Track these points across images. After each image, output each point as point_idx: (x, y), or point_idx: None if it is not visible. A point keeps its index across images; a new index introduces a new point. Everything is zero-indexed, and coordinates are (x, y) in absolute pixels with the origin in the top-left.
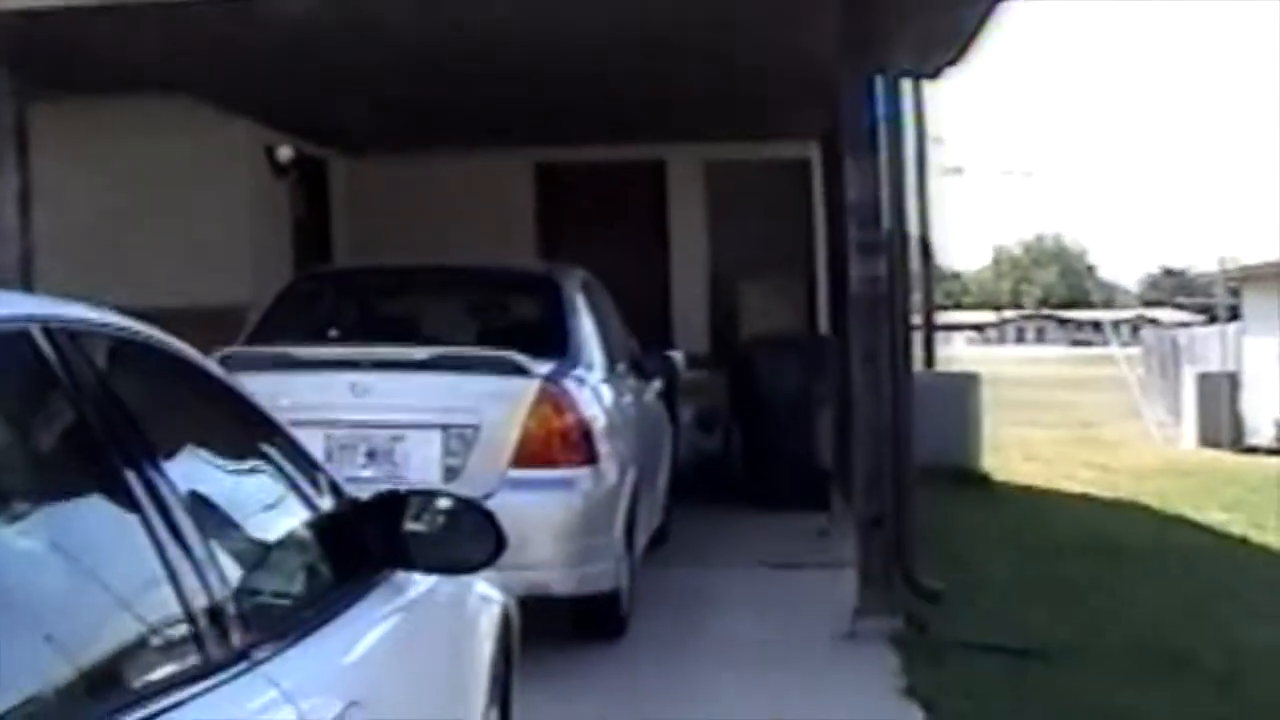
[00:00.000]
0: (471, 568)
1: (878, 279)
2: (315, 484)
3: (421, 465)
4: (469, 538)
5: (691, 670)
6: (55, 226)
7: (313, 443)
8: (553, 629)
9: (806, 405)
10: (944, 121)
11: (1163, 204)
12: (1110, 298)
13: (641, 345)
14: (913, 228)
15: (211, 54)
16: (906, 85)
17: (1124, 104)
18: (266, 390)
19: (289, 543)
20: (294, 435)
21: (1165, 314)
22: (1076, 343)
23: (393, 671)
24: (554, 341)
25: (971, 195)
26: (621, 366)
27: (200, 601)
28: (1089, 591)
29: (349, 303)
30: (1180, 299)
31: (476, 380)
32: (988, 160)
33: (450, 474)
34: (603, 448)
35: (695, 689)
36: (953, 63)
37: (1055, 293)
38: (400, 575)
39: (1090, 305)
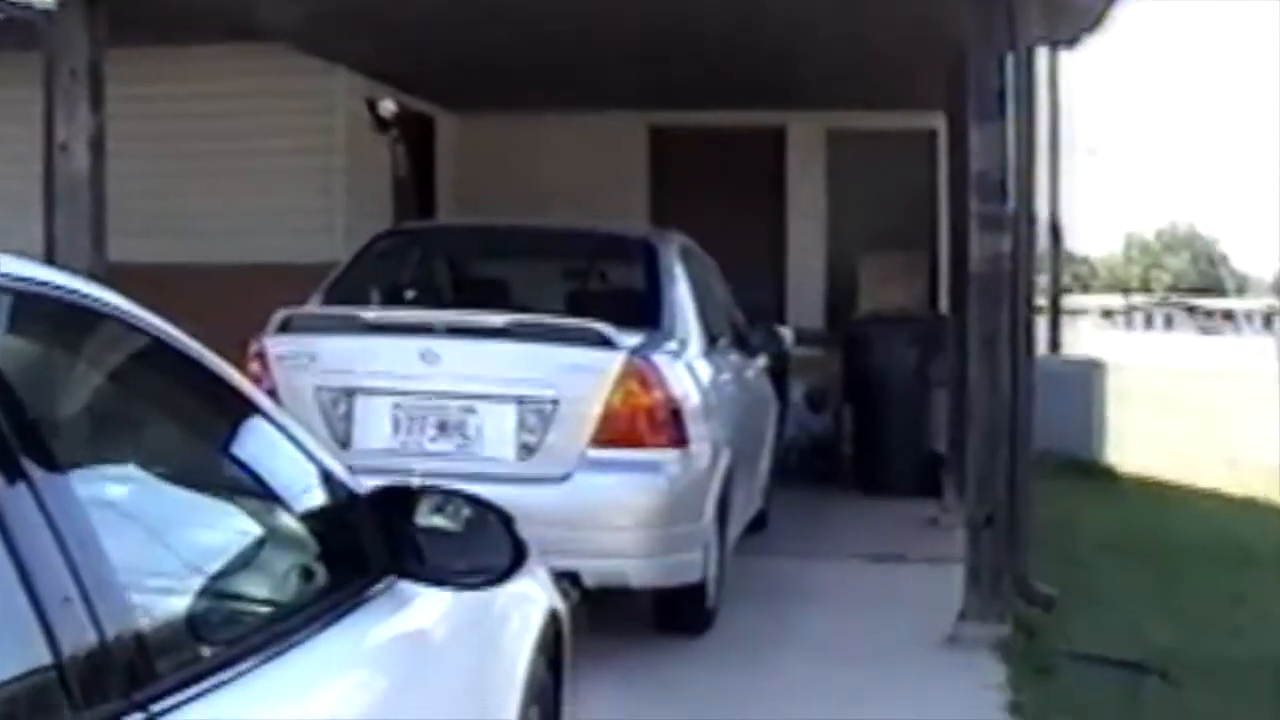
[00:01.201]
0: (482, 583)
1: (1000, 257)
2: (302, 476)
3: (495, 440)
4: (484, 546)
5: (776, 671)
6: (132, 175)
7: (379, 412)
8: (633, 619)
9: (922, 387)
10: (1079, 100)
11: None
12: (1243, 286)
13: (750, 319)
14: (1042, 207)
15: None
16: (1042, 58)
17: (1255, 92)
18: (330, 355)
19: (244, 554)
20: (282, 418)
21: None
22: (1205, 330)
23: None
24: (647, 312)
25: (1104, 177)
26: (723, 341)
27: (74, 632)
28: (1215, 602)
29: (432, 263)
30: None
31: (557, 351)
32: (1122, 142)
33: (525, 451)
34: (694, 429)
35: (778, 693)
36: (1090, 29)
37: (1185, 280)
38: (406, 584)
39: (1222, 293)
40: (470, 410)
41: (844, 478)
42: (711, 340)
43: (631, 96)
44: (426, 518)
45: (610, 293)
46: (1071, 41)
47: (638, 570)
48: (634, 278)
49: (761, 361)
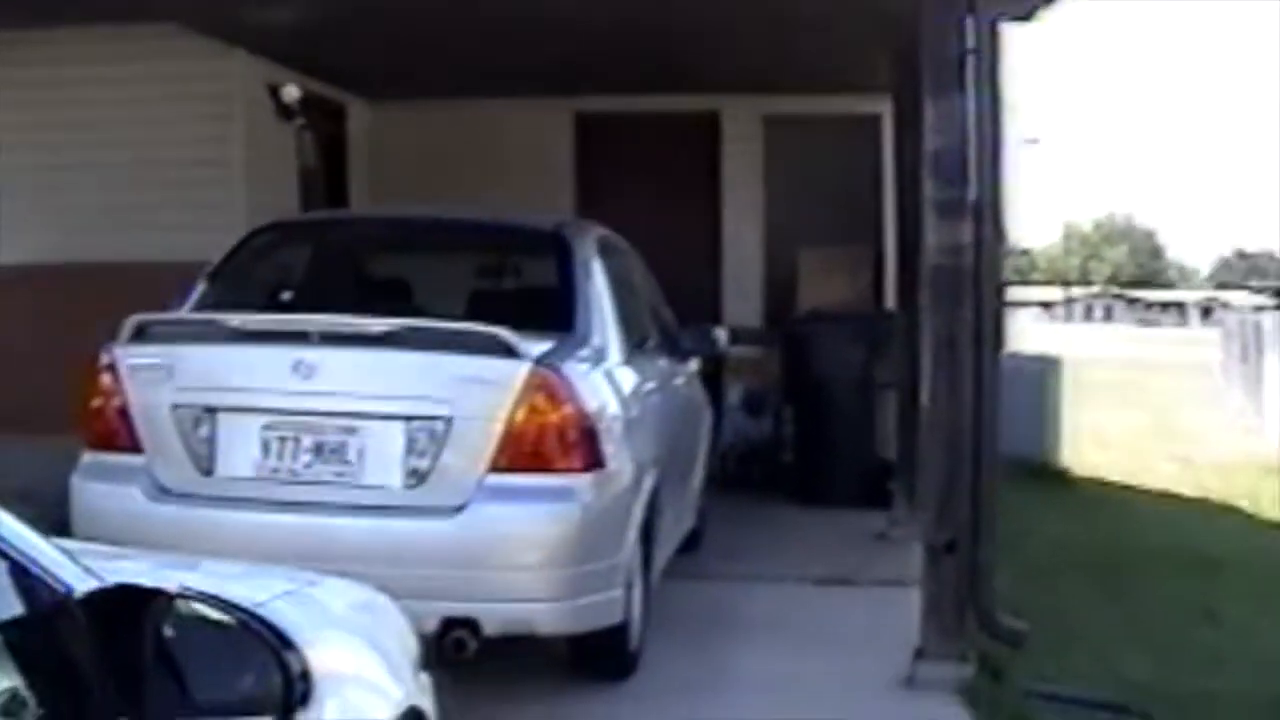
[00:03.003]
0: None
1: (960, 248)
2: None
3: (379, 465)
4: (242, 674)
5: None
6: (9, 169)
7: (246, 434)
8: (543, 665)
9: (868, 389)
10: (1019, 89)
11: (1234, 185)
12: (1179, 278)
13: (683, 318)
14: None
15: None
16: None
17: (1196, 83)
18: (190, 367)
19: None
20: None
21: (1237, 296)
22: (1145, 322)
23: None
24: (558, 314)
25: (1044, 167)
26: (650, 344)
27: None
28: (1189, 622)
29: (317, 260)
30: (1253, 282)
31: (451, 361)
32: (1061, 132)
33: (414, 478)
34: (611, 447)
35: None
36: (1048, 1)
37: (1125, 271)
38: None
39: (1160, 285)
40: (350, 430)
41: (785, 486)
42: (636, 344)
43: (555, 81)
44: (176, 630)
45: (517, 293)
46: (1027, 15)
47: (547, 615)
48: (544, 275)
49: (693, 365)
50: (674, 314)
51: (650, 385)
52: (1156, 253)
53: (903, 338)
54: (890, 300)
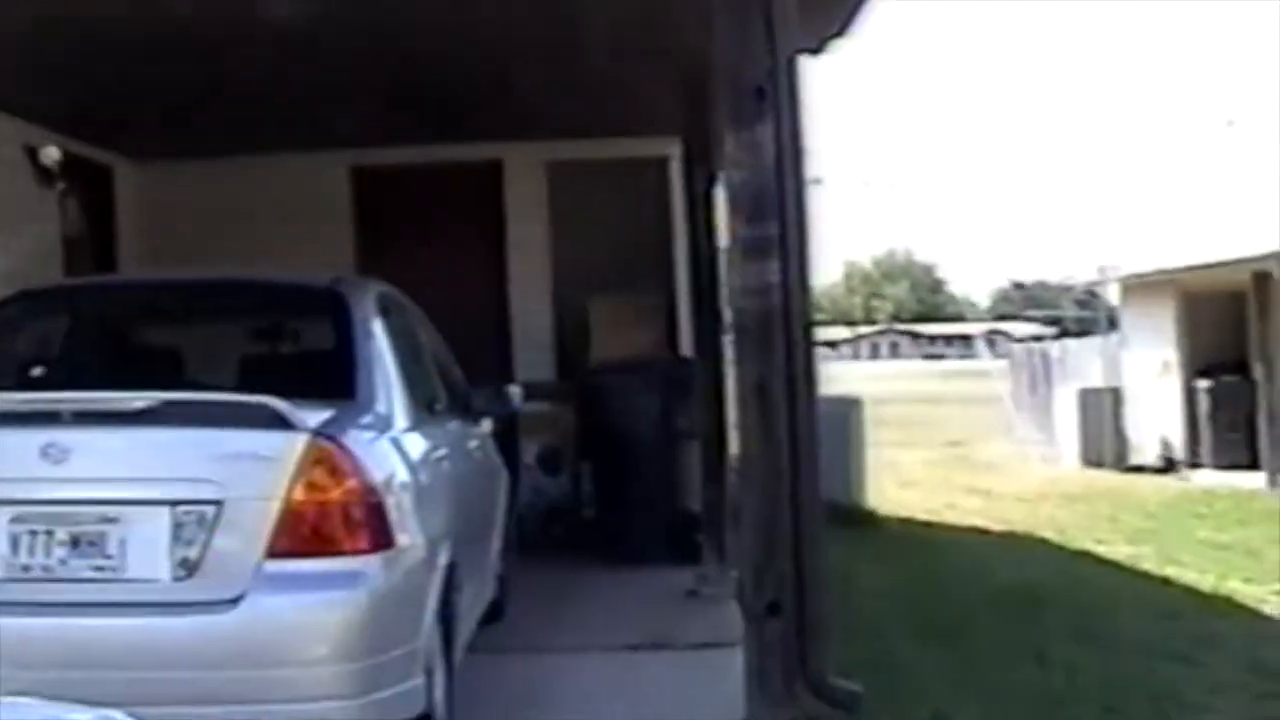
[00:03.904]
0: None
1: (769, 288)
2: None
3: (144, 557)
4: None
5: None
6: None
7: None
8: None
9: (669, 439)
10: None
11: (1010, 217)
12: (961, 312)
13: (472, 375)
14: None
15: None
16: None
17: (969, 116)
18: None
19: None
20: None
21: (1015, 327)
22: (929, 356)
23: None
24: (337, 379)
25: (825, 207)
26: (439, 407)
27: None
28: (1021, 667)
29: (73, 331)
30: (1030, 311)
31: (218, 436)
32: (839, 170)
33: (184, 568)
34: (401, 523)
35: None
36: (839, 34)
37: (906, 308)
38: None
39: (941, 319)
40: (110, 519)
41: (588, 545)
42: (424, 407)
43: (330, 135)
44: None
45: (292, 358)
46: (817, 49)
47: (341, 715)
48: (321, 338)
49: (486, 426)
50: (464, 371)
51: (441, 451)
52: (937, 287)
53: (703, 384)
54: (687, 346)
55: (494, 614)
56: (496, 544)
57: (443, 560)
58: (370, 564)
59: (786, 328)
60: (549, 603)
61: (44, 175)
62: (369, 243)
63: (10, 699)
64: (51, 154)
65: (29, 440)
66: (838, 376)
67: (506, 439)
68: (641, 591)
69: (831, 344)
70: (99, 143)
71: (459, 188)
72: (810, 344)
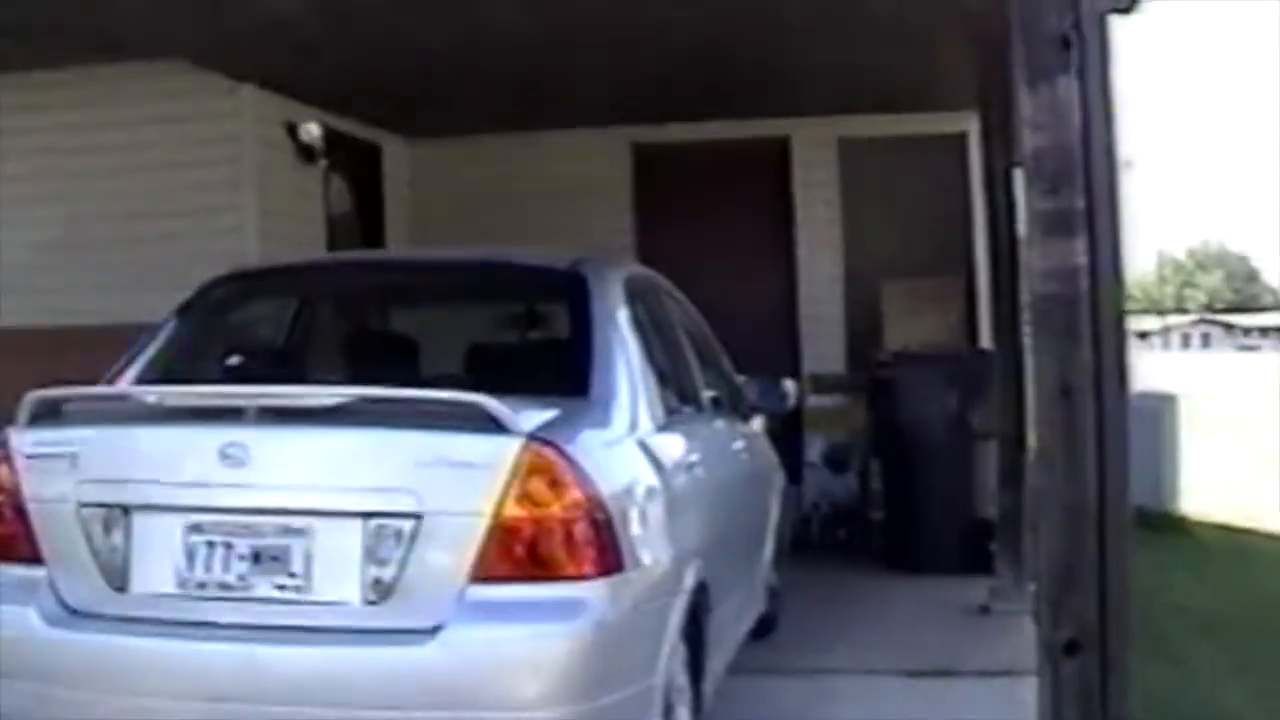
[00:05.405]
0: None
1: (1074, 271)
2: None
3: (332, 576)
4: None
5: None
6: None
7: (167, 537)
8: None
9: (964, 439)
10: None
11: None
12: (1278, 302)
13: (755, 365)
14: None
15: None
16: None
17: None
18: (99, 455)
19: None
20: None
21: None
22: (1245, 348)
23: None
24: (572, 374)
25: (1137, 192)
26: (699, 403)
27: None
28: None
29: (281, 316)
30: None
31: (420, 440)
32: (1153, 156)
33: (378, 591)
34: (636, 541)
35: None
36: None
37: (1220, 298)
38: None
39: (1259, 309)
40: (295, 532)
41: (873, 550)
42: (676, 405)
43: (609, 110)
44: None
45: (524, 348)
46: (1128, 7)
47: None
48: (557, 325)
49: (758, 425)
50: (746, 361)
51: (695, 456)
52: (1252, 277)
53: (1002, 379)
54: (985, 337)
55: (764, 628)
56: (767, 554)
57: (689, 581)
58: (595, 590)
59: (1094, 316)
60: (827, 616)
61: (305, 152)
62: (648, 223)
63: None
64: (311, 130)
65: (208, 439)
66: (1148, 369)
67: (788, 436)
68: (929, 604)
69: (1142, 335)
70: (366, 120)
71: (743, 166)
72: (1122, 335)
